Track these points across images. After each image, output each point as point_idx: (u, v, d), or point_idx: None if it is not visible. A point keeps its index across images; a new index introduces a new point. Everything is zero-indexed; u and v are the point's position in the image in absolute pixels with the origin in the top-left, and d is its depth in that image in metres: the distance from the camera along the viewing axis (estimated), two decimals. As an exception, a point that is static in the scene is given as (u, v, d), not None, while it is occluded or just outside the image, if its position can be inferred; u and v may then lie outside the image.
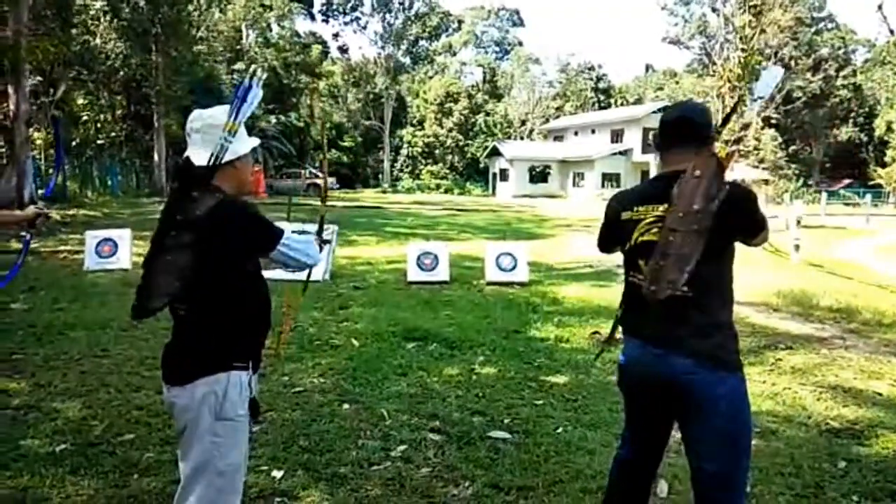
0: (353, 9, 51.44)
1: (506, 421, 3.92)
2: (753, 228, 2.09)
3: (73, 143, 23.54)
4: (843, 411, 4.21)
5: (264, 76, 2.04)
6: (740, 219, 2.03)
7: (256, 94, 1.97)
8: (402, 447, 3.53)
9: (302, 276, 7.27)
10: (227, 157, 2.06)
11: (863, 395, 4.55)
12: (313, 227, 8.59)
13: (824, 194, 26.09)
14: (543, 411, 4.11)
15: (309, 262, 2.17)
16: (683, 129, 2.12)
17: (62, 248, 11.04)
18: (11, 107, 17.76)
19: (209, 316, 2.00)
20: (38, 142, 22.90)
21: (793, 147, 51.95)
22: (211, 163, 1.95)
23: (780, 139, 48.74)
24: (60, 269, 9.07)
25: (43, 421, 3.75)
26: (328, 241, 2.39)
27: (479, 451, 3.49)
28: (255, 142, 2.21)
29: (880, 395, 4.57)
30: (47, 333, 5.61)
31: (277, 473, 3.18)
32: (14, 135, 17.72)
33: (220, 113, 2.07)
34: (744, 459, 2.07)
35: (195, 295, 1.97)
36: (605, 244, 2.41)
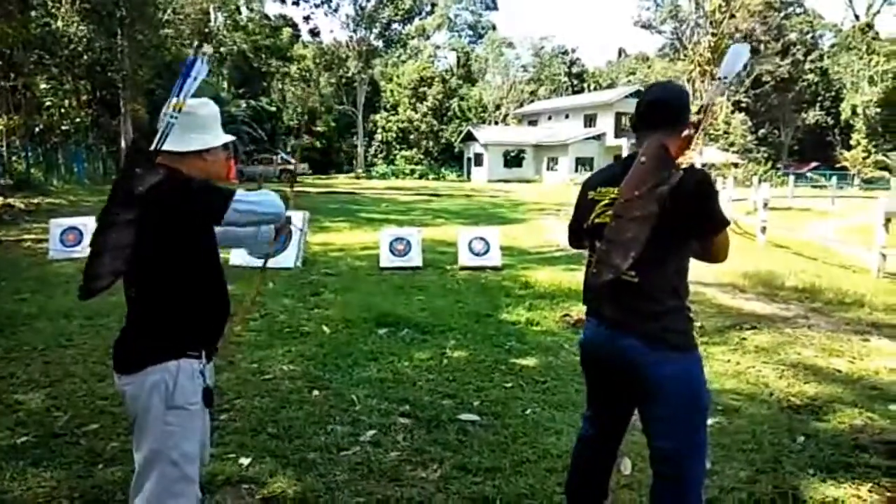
0: (325, -10, 50.56)
1: (475, 403, 3.95)
2: (706, 220, 2.02)
3: (37, 130, 22.90)
4: (804, 388, 4.32)
5: (210, 51, 2.02)
6: (690, 205, 1.96)
7: (201, 70, 1.95)
8: (372, 432, 3.53)
9: (274, 262, 7.26)
10: (196, 147, 2.06)
11: (823, 371, 4.68)
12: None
13: (791, 177, 26.54)
14: (513, 393, 4.15)
15: (269, 211, 2.03)
16: (657, 112, 2.11)
17: (25, 237, 10.79)
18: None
19: (159, 300, 1.98)
20: (0, 128, 22.24)
21: (762, 130, 52.76)
22: (157, 141, 1.92)
23: (749, 123, 49.44)
24: (23, 258, 8.86)
25: (5, 413, 3.67)
26: (295, 226, 2.36)
27: (448, 433, 3.51)
28: (229, 138, 2.20)
29: (839, 371, 4.69)
30: (9, 324, 5.48)
31: (245, 461, 3.17)
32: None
33: (196, 102, 2.06)
34: (696, 438, 2.09)
35: (143, 275, 1.95)
36: (573, 233, 2.39)
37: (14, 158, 21.35)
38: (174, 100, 1.94)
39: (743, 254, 10.66)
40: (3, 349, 4.84)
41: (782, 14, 51.76)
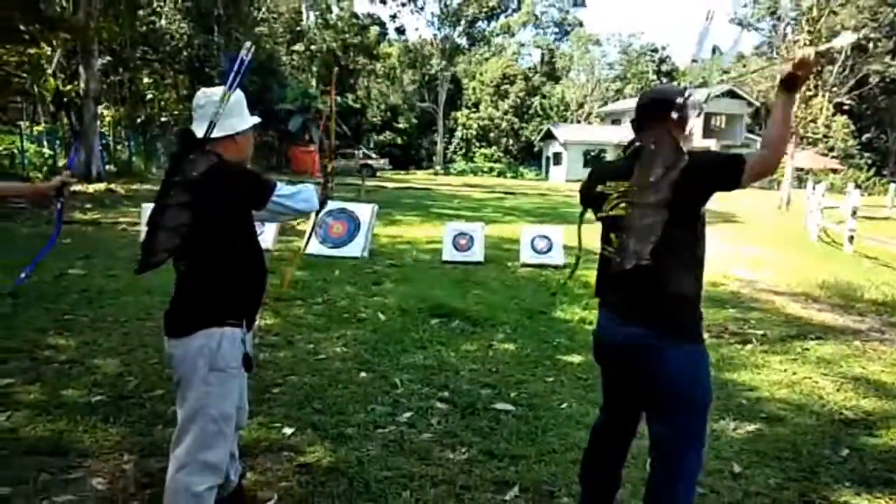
0: (411, -11, 51.29)
1: (513, 394, 4.04)
2: (725, 173, 2.03)
3: (139, 121, 24.59)
4: (862, 402, 4.14)
5: (252, 48, 2.24)
6: (708, 175, 2.05)
7: (245, 65, 2.18)
8: (409, 413, 3.69)
9: (342, 251, 7.61)
10: (226, 132, 2.25)
11: (886, 387, 4.45)
12: (353, 206, 8.77)
13: (892, 185, 24.72)
14: (552, 388, 4.20)
15: (304, 208, 2.29)
16: (656, 109, 2.17)
17: (122, 219, 11.68)
18: (82, 85, 18.71)
19: (205, 274, 2.20)
20: (108, 119, 24.03)
21: (867, 135, 49.37)
22: (207, 129, 2.14)
23: (852, 126, 46.38)
24: (118, 238, 9.62)
25: (84, 375, 4.08)
26: (330, 197, 2.61)
27: (481, 420, 3.62)
28: (255, 120, 2.40)
29: (905, 388, 4.45)
30: (98, 298, 6.02)
31: (288, 430, 3.39)
32: (84, 112, 18.68)
33: (220, 92, 2.28)
34: (692, 428, 2.14)
35: (193, 252, 2.17)
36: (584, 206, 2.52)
37: (118, 147, 23.00)
38: (224, 92, 2.16)
39: (826, 263, 10.14)
40: (91, 319, 5.33)
41: None
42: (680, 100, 2.11)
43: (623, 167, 2.20)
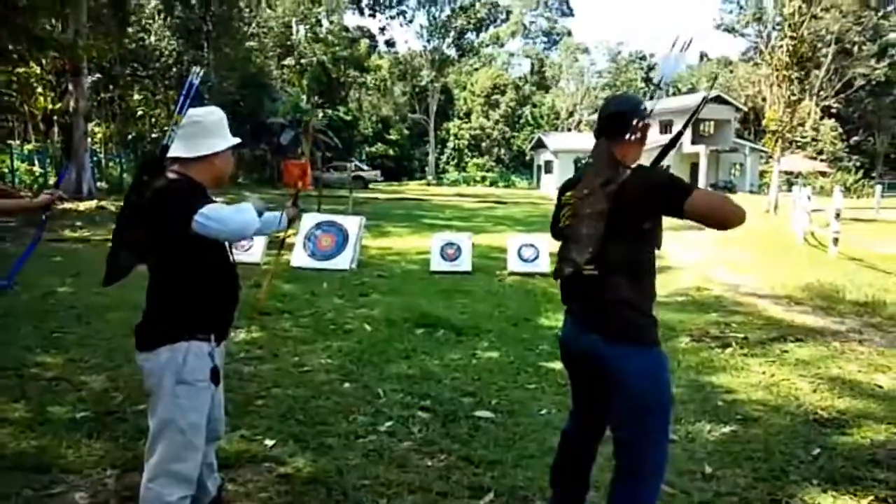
0: (400, 2, 51.72)
1: (493, 402, 4.10)
2: (671, 204, 2.02)
3: (130, 138, 24.66)
4: (836, 402, 4.21)
5: (201, 72, 2.30)
6: (646, 198, 2.08)
7: (195, 89, 2.24)
8: (390, 423, 3.74)
9: (331, 264, 7.68)
10: (205, 152, 2.31)
11: (861, 386, 4.53)
12: (341, 219, 8.87)
13: (878, 187, 24.95)
14: (532, 394, 4.27)
15: (236, 230, 2.17)
16: (613, 123, 2.25)
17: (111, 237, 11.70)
18: (72, 103, 18.78)
19: (170, 289, 2.26)
20: (98, 136, 24.08)
21: (855, 138, 49.84)
22: (160, 150, 2.20)
23: (840, 129, 46.83)
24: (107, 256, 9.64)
25: (70, 391, 4.12)
26: (303, 210, 2.63)
27: (461, 427, 3.68)
28: (235, 141, 2.45)
29: (880, 387, 4.53)
30: (86, 315, 6.06)
31: (269, 442, 3.44)
32: (73, 129, 18.73)
33: (203, 111, 2.35)
34: (652, 433, 2.18)
35: (155, 267, 2.23)
36: (553, 236, 2.57)
37: (109, 164, 23.04)
38: (176, 116, 2.22)
39: (810, 265, 10.25)
40: (78, 336, 5.37)
41: (880, 13, 48.74)
42: (626, 115, 2.20)
43: (577, 179, 2.28)
